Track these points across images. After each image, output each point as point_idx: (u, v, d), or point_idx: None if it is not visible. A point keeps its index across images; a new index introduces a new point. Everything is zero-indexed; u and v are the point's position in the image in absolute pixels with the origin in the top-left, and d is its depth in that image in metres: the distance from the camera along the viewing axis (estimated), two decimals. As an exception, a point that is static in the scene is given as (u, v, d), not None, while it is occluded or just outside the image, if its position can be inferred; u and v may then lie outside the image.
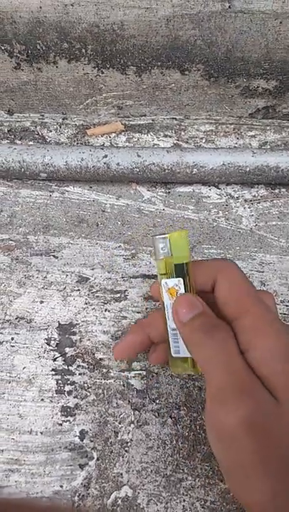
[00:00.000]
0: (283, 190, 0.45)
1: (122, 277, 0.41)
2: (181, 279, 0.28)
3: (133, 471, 0.33)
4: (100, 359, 0.37)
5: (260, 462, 0.23)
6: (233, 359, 0.25)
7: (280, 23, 0.40)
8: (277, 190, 0.46)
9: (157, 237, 0.28)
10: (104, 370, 0.36)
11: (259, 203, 0.45)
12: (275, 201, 0.45)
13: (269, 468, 0.23)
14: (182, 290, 0.28)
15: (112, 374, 0.36)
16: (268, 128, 0.49)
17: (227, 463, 0.25)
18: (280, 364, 0.24)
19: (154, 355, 0.32)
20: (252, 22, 0.40)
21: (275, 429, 0.23)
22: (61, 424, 0.34)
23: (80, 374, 0.36)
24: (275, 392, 0.24)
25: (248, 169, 0.43)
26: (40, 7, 0.38)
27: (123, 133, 0.48)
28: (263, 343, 0.25)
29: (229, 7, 0.39)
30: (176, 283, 0.28)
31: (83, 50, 0.42)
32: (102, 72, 0.44)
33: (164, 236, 0.28)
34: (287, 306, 0.39)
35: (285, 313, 0.39)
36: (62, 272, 0.41)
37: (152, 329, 0.31)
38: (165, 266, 0.28)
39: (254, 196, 0.45)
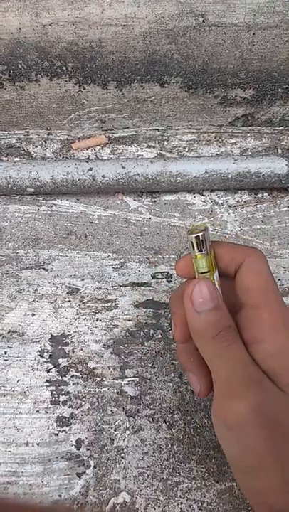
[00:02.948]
0: (266, 194, 0.47)
1: (112, 286, 0.41)
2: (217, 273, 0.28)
3: (130, 476, 0.33)
4: (94, 368, 0.37)
5: (273, 448, 0.24)
6: (240, 355, 0.26)
7: (253, 34, 0.42)
8: (259, 195, 0.47)
9: (194, 235, 0.27)
10: (98, 379, 0.37)
11: (243, 208, 0.46)
12: (258, 206, 0.46)
13: (281, 455, 0.24)
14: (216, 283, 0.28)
15: (105, 382, 0.37)
16: (248, 135, 0.50)
17: (237, 452, 0.25)
18: (288, 359, 0.25)
19: (178, 330, 0.30)
20: (226, 35, 0.42)
21: (285, 418, 0.24)
22: (57, 435, 0.35)
23: (74, 384, 0.37)
24: (280, 385, 0.25)
25: (230, 176, 0.44)
26: (20, 28, 0.40)
27: (107, 145, 0.50)
28: (276, 337, 0.26)
29: (203, 21, 0.40)
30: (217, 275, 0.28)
31: (64, 68, 0.43)
32: (84, 88, 0.45)
33: (196, 235, 0.27)
34: (274, 306, 0.40)
35: (272, 314, 0.40)
36: (53, 284, 0.42)
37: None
38: (206, 262, 0.28)
39: (238, 201, 0.46)
